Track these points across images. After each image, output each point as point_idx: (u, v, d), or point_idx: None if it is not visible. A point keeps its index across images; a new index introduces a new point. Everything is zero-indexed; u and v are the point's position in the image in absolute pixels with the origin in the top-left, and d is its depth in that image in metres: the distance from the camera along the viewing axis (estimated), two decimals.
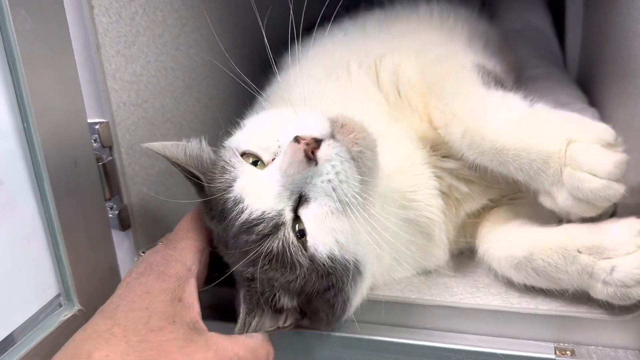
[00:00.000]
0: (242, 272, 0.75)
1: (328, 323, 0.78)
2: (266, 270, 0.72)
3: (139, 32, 0.92)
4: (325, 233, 0.71)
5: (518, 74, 1.23)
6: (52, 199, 0.75)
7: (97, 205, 0.85)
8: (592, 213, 0.73)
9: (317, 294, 0.73)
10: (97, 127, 0.85)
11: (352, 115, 0.75)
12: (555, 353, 0.76)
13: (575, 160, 0.71)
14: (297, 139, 0.70)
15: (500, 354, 0.77)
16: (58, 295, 0.80)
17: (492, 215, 0.90)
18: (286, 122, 0.77)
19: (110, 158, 0.87)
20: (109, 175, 0.87)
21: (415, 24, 1.08)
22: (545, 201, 0.76)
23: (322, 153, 0.70)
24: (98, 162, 0.85)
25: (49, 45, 0.75)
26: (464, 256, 0.94)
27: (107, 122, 0.86)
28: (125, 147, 0.89)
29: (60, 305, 0.80)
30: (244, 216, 0.72)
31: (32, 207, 0.75)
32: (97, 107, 0.85)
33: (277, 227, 0.71)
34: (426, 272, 0.91)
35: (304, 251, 0.71)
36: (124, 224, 0.90)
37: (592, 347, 0.76)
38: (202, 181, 0.80)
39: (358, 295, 0.79)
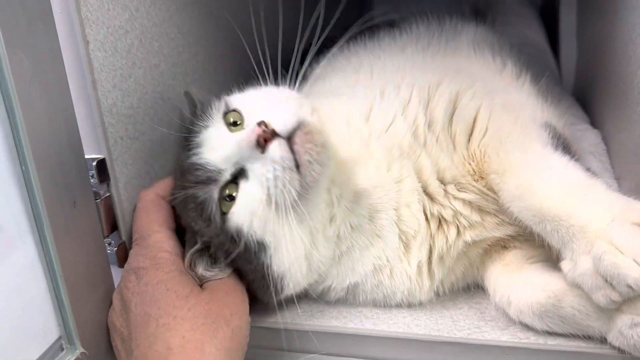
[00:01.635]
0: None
1: (261, 295, 0.85)
2: (191, 214, 0.83)
3: (135, 64, 0.91)
4: (244, 211, 0.79)
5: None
6: (52, 241, 0.73)
7: (96, 243, 0.83)
8: (601, 297, 0.69)
9: (235, 257, 0.80)
10: (94, 163, 0.83)
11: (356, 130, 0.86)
12: None
13: (609, 233, 0.69)
14: (261, 123, 0.76)
15: None
16: (59, 339, 0.77)
17: (505, 257, 0.89)
18: (278, 101, 0.83)
19: (108, 194, 0.85)
20: (106, 212, 0.85)
21: (467, 60, 1.06)
22: (566, 266, 0.74)
23: (270, 148, 0.76)
24: (96, 199, 0.83)
25: (45, 85, 0.73)
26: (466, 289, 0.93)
27: (104, 158, 0.84)
28: (123, 182, 0.87)
29: (62, 349, 0.78)
30: (194, 159, 0.82)
31: (32, 251, 0.73)
32: (94, 143, 0.84)
33: (209, 180, 0.80)
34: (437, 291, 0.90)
35: (220, 213, 0.80)
36: (123, 259, 0.88)
37: None
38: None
39: (268, 280, 0.81)
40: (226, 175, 0.80)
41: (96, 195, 0.84)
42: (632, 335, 0.70)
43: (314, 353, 0.85)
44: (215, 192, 0.80)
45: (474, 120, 0.89)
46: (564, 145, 0.87)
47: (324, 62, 1.09)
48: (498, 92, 0.95)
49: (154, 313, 0.74)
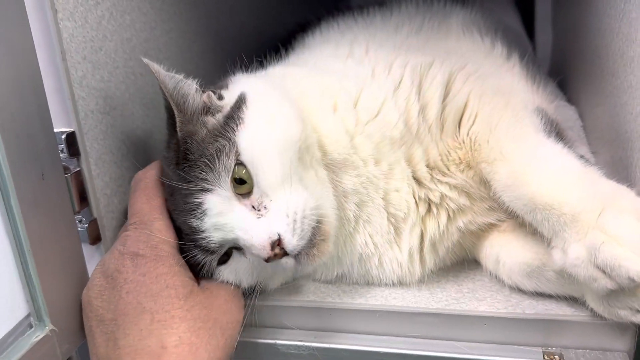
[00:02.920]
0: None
1: None
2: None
3: (106, 37, 0.88)
4: (232, 275, 0.81)
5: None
6: (19, 213, 0.71)
7: (66, 218, 0.81)
8: (599, 287, 0.68)
9: None
10: (63, 136, 0.81)
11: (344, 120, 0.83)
12: (544, 358, 0.75)
13: (605, 224, 0.68)
14: (273, 245, 0.74)
15: None
16: (28, 316, 0.75)
17: (501, 226, 0.88)
18: (291, 176, 0.77)
19: (78, 169, 0.83)
20: (77, 187, 0.83)
21: (457, 41, 1.03)
22: (556, 255, 0.73)
23: (282, 261, 0.76)
24: (66, 173, 0.81)
25: (11, 54, 0.71)
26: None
27: (74, 131, 0.82)
28: (94, 157, 0.85)
29: (31, 326, 0.75)
30: (194, 222, 0.77)
31: None
32: (63, 116, 0.82)
33: (209, 251, 0.78)
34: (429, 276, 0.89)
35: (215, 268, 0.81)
36: (94, 237, 0.86)
37: (580, 350, 0.76)
38: (175, 120, 0.81)
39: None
40: (222, 251, 0.79)
41: (66, 169, 0.82)
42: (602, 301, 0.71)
43: (292, 328, 0.83)
44: (214, 262, 0.80)
45: (464, 106, 0.87)
46: (557, 132, 0.85)
47: (313, 33, 1.08)
48: (489, 75, 0.92)
49: (149, 306, 0.72)
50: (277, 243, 0.73)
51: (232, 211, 0.76)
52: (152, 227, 0.79)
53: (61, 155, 0.81)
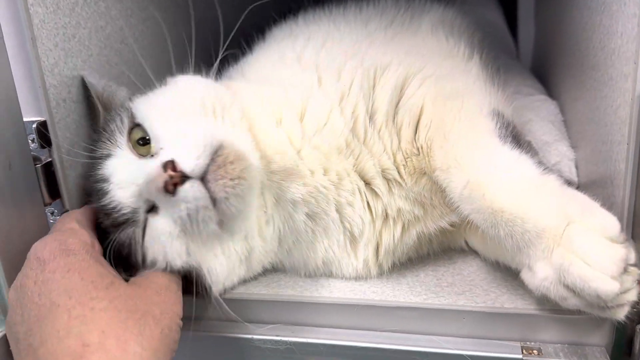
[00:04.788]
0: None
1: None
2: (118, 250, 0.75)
3: (80, 24, 0.86)
4: (156, 246, 0.74)
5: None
6: None
7: (35, 211, 0.79)
8: (569, 305, 0.69)
9: None
10: (34, 126, 0.78)
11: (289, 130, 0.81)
12: (522, 352, 0.74)
13: (572, 242, 0.67)
14: (168, 165, 0.69)
15: (467, 355, 0.75)
16: None
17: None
18: (186, 118, 0.76)
19: (50, 159, 0.81)
20: (48, 178, 0.81)
21: (422, 41, 0.99)
22: (525, 275, 0.73)
23: (182, 190, 0.69)
24: (36, 164, 0.79)
25: None
26: (426, 256, 0.91)
27: (45, 121, 0.80)
28: (65, 148, 0.82)
29: None
30: (105, 200, 0.75)
31: None
32: (34, 105, 0.79)
33: (129, 221, 0.74)
34: (387, 273, 0.87)
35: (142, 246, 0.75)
36: None
37: (559, 345, 0.75)
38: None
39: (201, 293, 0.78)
40: (142, 213, 0.74)
41: (36, 160, 0.80)
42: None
43: (271, 324, 0.82)
44: (139, 234, 0.75)
45: (421, 111, 0.84)
46: (514, 135, 0.81)
47: (272, 32, 1.06)
48: (445, 77, 0.88)
49: (63, 303, 0.63)
50: (172, 168, 0.69)
51: (130, 164, 0.75)
52: (63, 228, 0.74)
53: (32, 145, 0.79)
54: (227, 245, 0.78)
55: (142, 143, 0.76)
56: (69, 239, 0.71)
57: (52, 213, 0.83)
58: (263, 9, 0.91)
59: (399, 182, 0.83)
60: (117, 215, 0.74)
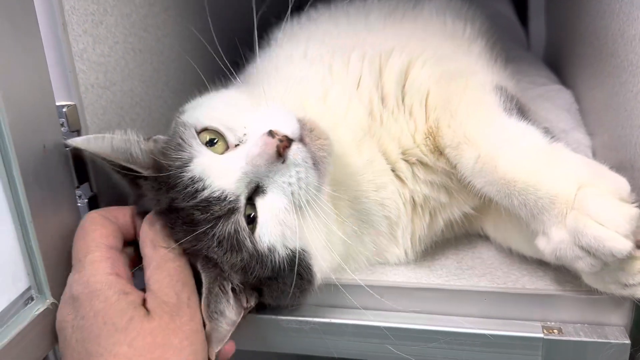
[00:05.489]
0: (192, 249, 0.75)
1: (281, 302, 0.79)
2: (214, 250, 0.72)
3: (107, 11, 0.88)
4: (274, 225, 0.73)
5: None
6: (21, 185, 0.70)
7: (67, 192, 0.81)
8: (583, 266, 0.69)
9: (260, 279, 0.74)
10: (64, 110, 0.80)
11: (320, 115, 0.79)
12: (543, 332, 0.76)
13: (584, 205, 0.68)
14: (271, 133, 0.71)
15: (489, 334, 0.76)
16: (29, 289, 0.75)
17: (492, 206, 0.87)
18: (252, 109, 0.78)
19: None
20: (77, 162, 0.82)
21: (424, 25, 1.01)
22: (542, 244, 0.73)
23: (292, 153, 0.72)
24: (66, 148, 0.81)
25: (13, 24, 0.70)
26: (447, 241, 0.93)
27: (74, 105, 0.81)
28: (94, 132, 0.84)
29: (32, 299, 0.75)
30: (204, 194, 0.72)
31: (0, 195, 0.70)
32: (64, 89, 0.81)
33: (232, 211, 0.72)
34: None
35: (252, 237, 0.73)
36: None
37: (579, 324, 0.77)
38: (135, 172, 0.77)
39: (308, 280, 0.77)
40: (243, 198, 0.73)
41: (66, 144, 0.81)
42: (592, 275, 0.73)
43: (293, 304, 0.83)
44: (242, 220, 0.72)
45: (427, 92, 0.86)
46: (519, 108, 0.84)
47: (283, 28, 1.07)
48: (446, 57, 0.91)
49: (94, 350, 0.66)
50: (274, 135, 0.71)
51: (218, 159, 0.74)
52: (85, 262, 0.73)
53: (62, 129, 0.81)
54: (320, 227, 0.76)
55: (212, 145, 0.76)
56: (92, 277, 0.71)
57: (80, 197, 0.85)
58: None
59: (423, 164, 0.85)
60: (218, 206, 0.71)
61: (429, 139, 0.85)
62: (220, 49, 0.89)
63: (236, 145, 0.76)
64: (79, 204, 0.84)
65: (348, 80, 0.87)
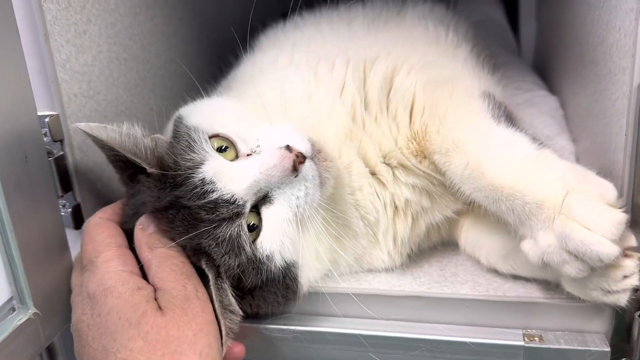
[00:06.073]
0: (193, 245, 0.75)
1: (271, 309, 0.80)
2: (214, 249, 0.73)
3: (90, 21, 0.88)
4: (277, 234, 0.75)
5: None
6: (2, 195, 0.71)
7: (49, 202, 0.81)
8: (571, 270, 0.69)
9: (251, 286, 0.76)
10: (47, 119, 0.80)
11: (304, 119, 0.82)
12: (524, 339, 0.76)
13: (571, 210, 0.68)
14: (289, 148, 0.74)
15: (470, 342, 0.77)
16: (11, 299, 0.75)
17: (474, 210, 0.87)
18: (265, 122, 0.80)
19: (62, 153, 0.83)
20: (60, 171, 0.83)
21: (407, 31, 1.02)
22: (527, 246, 0.73)
23: (305, 169, 0.75)
24: (49, 157, 0.81)
25: None
26: (430, 248, 0.93)
27: (57, 115, 0.82)
28: (77, 142, 0.84)
29: (14, 309, 0.75)
30: (213, 195, 0.73)
31: None
32: (47, 99, 0.81)
33: (238, 215, 0.74)
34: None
35: (251, 243, 0.74)
36: (78, 222, 0.86)
37: (560, 332, 0.77)
38: (138, 167, 0.78)
39: (294, 291, 0.79)
40: (249, 205, 0.75)
41: (49, 153, 0.82)
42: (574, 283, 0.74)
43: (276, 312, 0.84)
44: (245, 225, 0.74)
45: (413, 98, 0.86)
46: (507, 115, 0.84)
47: (267, 34, 1.08)
48: (432, 64, 0.91)
49: (111, 347, 0.67)
50: (291, 150, 0.74)
51: (229, 165, 0.76)
52: (97, 261, 0.74)
53: (45, 139, 0.81)
54: (312, 241, 0.79)
55: (223, 149, 0.78)
56: (105, 275, 0.72)
57: (64, 206, 0.85)
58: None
59: (404, 167, 0.85)
60: (225, 209, 0.73)
61: (412, 143, 0.85)
62: (211, 55, 0.90)
63: (248, 155, 0.77)
64: (63, 213, 0.85)
65: (332, 86, 0.88)
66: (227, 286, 0.75)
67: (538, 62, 1.47)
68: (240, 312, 0.75)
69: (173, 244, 0.75)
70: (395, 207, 0.87)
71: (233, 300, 0.75)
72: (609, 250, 0.66)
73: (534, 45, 1.62)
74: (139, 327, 0.67)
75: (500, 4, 1.74)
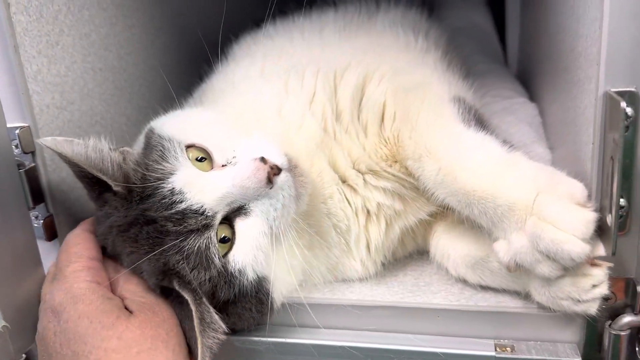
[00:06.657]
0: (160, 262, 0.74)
1: (245, 325, 0.79)
2: (181, 264, 0.72)
3: (63, 32, 0.88)
4: (250, 248, 0.74)
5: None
6: None
7: (20, 214, 0.80)
8: (544, 270, 0.70)
9: (226, 300, 0.75)
10: (17, 131, 0.80)
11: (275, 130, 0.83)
12: (496, 350, 0.76)
13: (542, 210, 0.69)
14: (263, 160, 0.74)
15: (441, 353, 0.76)
16: None
17: (447, 215, 0.88)
18: (242, 134, 0.80)
19: (33, 164, 0.83)
20: (32, 183, 0.83)
21: (378, 38, 1.02)
22: (500, 247, 0.73)
23: (280, 180, 0.74)
24: (20, 169, 0.81)
25: None
26: (406, 256, 0.93)
27: (28, 127, 0.81)
28: (49, 153, 0.84)
29: None
30: (181, 206, 0.72)
31: None
32: (17, 111, 0.81)
33: (207, 227, 0.73)
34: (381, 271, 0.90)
35: (220, 256, 0.73)
36: (50, 233, 0.86)
37: (531, 342, 0.77)
38: (104, 185, 0.77)
39: (267, 305, 0.78)
40: (219, 217, 0.74)
41: (20, 165, 0.81)
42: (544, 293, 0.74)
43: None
44: (214, 237, 0.73)
45: (383, 106, 0.87)
46: (477, 118, 0.85)
47: (240, 44, 1.08)
48: (403, 71, 0.92)
49: (81, 350, 0.67)
50: (266, 161, 0.74)
51: (202, 175, 0.75)
52: (66, 271, 0.75)
53: (15, 150, 0.81)
54: (286, 255, 0.79)
55: (200, 160, 0.77)
56: (74, 284, 0.73)
57: (36, 217, 0.85)
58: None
59: (373, 171, 0.85)
60: (193, 220, 0.72)
61: (382, 149, 0.85)
62: (190, 65, 0.90)
63: (223, 166, 0.77)
64: (35, 225, 0.84)
65: (302, 97, 0.88)
66: (207, 303, 0.73)
67: (521, 70, 1.47)
68: (225, 328, 0.73)
69: (138, 262, 0.74)
70: (368, 212, 0.87)
71: (216, 317, 0.73)
72: (579, 249, 0.67)
73: (517, 53, 1.61)
74: (114, 328, 0.68)
75: (487, 11, 1.73)
